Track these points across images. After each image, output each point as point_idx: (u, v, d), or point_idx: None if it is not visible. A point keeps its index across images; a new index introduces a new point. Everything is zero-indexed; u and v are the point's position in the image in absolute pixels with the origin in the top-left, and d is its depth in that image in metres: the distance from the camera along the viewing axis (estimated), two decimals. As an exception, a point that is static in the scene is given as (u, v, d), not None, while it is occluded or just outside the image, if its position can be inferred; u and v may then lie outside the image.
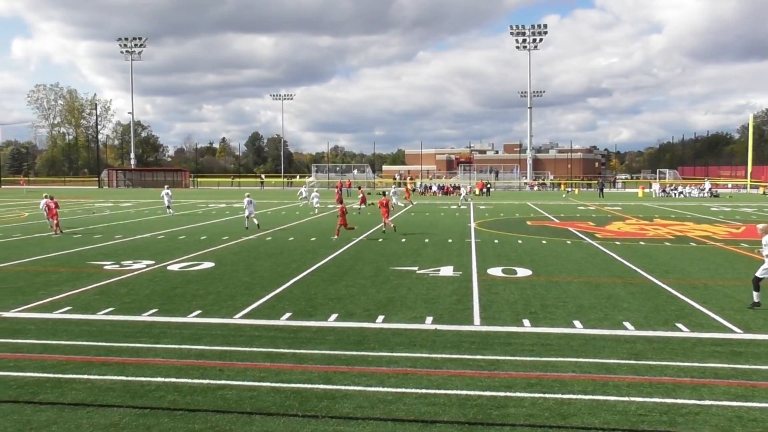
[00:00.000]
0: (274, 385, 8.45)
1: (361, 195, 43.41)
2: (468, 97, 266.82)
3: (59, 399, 7.93)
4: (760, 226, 13.58)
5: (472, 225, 32.36)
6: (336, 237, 25.47)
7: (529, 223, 34.03)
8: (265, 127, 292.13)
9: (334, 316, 12.27)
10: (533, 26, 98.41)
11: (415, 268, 18.08)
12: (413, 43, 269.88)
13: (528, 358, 9.67)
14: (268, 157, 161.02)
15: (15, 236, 26.45)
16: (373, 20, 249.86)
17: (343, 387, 8.38)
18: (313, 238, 25.64)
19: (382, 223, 28.76)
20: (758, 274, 12.84)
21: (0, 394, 8.08)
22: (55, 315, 12.37)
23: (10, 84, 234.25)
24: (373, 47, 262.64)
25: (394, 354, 9.84)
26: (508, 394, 8.17)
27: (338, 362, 9.43)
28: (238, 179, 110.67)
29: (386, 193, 31.30)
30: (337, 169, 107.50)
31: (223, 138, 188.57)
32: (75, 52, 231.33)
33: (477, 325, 11.73)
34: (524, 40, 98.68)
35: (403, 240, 25.20)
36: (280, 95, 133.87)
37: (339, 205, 28.77)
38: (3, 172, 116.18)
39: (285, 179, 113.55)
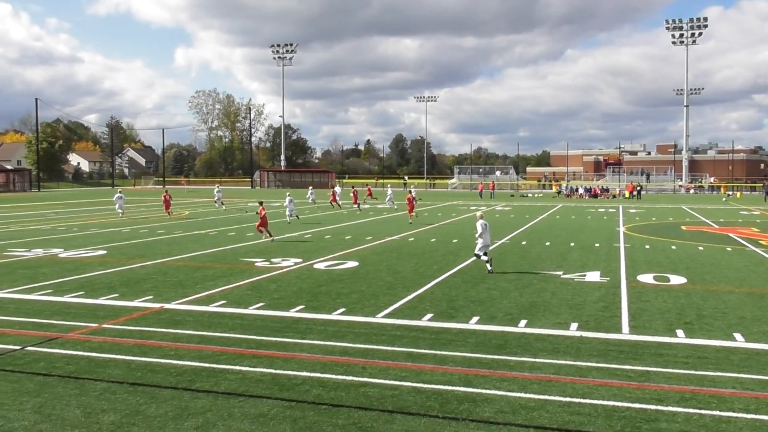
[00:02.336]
0: (415, 385, 8.50)
1: (354, 193, 47.36)
2: (618, 95, 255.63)
3: (214, 387, 8.41)
4: None
5: (621, 229, 30.96)
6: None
7: (684, 227, 32.06)
8: (408, 129, 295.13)
9: (475, 319, 12.16)
10: (691, 20, 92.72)
11: (560, 273, 17.55)
12: (560, 41, 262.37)
13: (681, 371, 9.08)
14: (411, 159, 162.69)
15: (176, 233, 28.46)
16: (518, 19, 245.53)
17: (484, 390, 8.27)
18: (455, 240, 25.59)
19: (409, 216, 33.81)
20: None
21: (161, 380, 8.69)
22: (211, 308, 13.16)
23: (173, 90, 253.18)
24: (518, 46, 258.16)
25: (537, 360, 9.59)
26: (660, 407, 7.71)
27: (479, 365, 9.33)
28: (381, 180, 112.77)
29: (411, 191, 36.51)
30: (480, 170, 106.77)
31: (368, 140, 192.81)
32: (231, 59, 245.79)
33: (625, 334, 11.19)
34: (681, 35, 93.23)
35: (548, 244, 24.57)
36: (423, 97, 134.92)
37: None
38: (166, 173, 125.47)
39: (428, 180, 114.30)
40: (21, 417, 7.41)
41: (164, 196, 39.14)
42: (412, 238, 26.31)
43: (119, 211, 38.05)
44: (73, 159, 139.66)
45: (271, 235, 25.49)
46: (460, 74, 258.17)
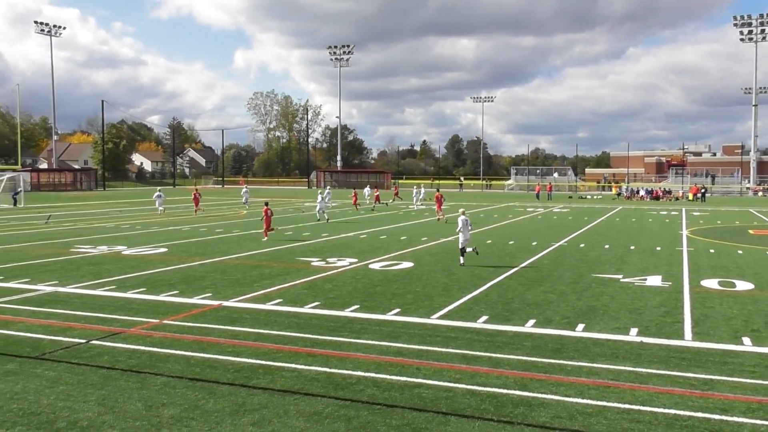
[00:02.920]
0: (469, 387, 8.43)
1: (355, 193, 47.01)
2: (682, 95, 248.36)
3: (270, 385, 8.51)
4: None
5: (684, 232, 30.11)
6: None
7: (751, 232, 30.97)
8: (465, 130, 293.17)
9: (531, 322, 12.00)
10: (761, 15, 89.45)
11: (619, 277, 17.17)
12: (622, 40, 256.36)
13: (748, 380, 8.76)
14: (467, 160, 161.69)
15: (234, 232, 28.97)
16: (578, 17, 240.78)
17: (539, 395, 8.15)
18: (512, 242, 25.33)
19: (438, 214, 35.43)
20: None
21: (219, 376, 8.85)
22: (268, 306, 13.33)
23: (232, 92, 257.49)
24: (578, 45, 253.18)
25: (595, 365, 9.39)
26: (724, 417, 7.45)
27: (535, 369, 9.20)
28: (437, 181, 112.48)
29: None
30: (537, 171, 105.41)
31: (424, 140, 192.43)
32: (288, 60, 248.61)
33: (688, 340, 10.86)
34: (750, 32, 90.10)
35: (607, 246, 24.07)
36: (480, 97, 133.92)
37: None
38: (225, 173, 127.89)
39: (484, 181, 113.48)
40: (85, 408, 7.65)
41: (194, 194, 41.27)
42: (468, 240, 26.14)
43: (160, 209, 39.66)
44: (137, 159, 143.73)
45: (265, 236, 25.81)
46: (518, 74, 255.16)
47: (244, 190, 49.84)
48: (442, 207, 36.96)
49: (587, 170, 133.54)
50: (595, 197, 74.51)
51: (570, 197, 73.12)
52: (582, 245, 24.36)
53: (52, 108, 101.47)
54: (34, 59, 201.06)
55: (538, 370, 9.13)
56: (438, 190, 41.15)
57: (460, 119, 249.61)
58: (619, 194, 73.60)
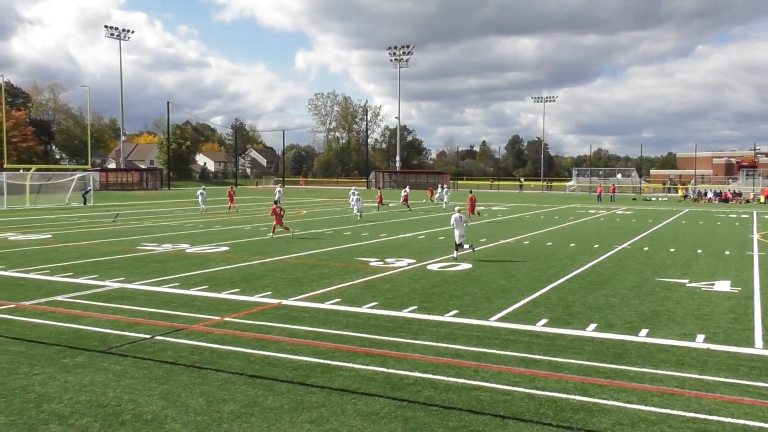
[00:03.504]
0: (528, 391, 8.31)
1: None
2: (754, 93, 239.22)
3: (327, 383, 8.58)
4: None
5: (756, 236, 29.02)
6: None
7: (827, 235, 29.62)
8: (525, 130, 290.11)
9: (592, 326, 11.75)
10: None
11: (685, 281, 16.67)
12: (690, 37, 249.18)
13: (824, 392, 8.37)
14: (527, 161, 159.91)
15: (294, 231, 29.30)
16: (644, 14, 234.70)
17: (600, 401, 7.97)
18: (572, 244, 24.89)
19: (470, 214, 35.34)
20: None
21: (278, 374, 8.97)
22: (326, 305, 13.45)
23: (293, 93, 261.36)
24: (643, 43, 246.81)
25: (659, 371, 9.14)
26: (797, 430, 7.14)
27: (596, 374, 9.00)
28: (497, 182, 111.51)
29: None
30: (600, 172, 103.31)
31: (484, 141, 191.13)
32: (348, 61, 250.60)
33: (759, 348, 10.46)
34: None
35: (672, 250, 23.41)
36: (541, 97, 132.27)
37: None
38: (285, 173, 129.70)
39: (544, 183, 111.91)
40: (150, 402, 7.86)
41: (229, 192, 43.97)
42: (528, 241, 25.82)
43: (203, 207, 40.79)
44: (200, 159, 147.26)
45: (273, 231, 26.80)
46: (581, 73, 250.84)
47: (277, 188, 51.09)
48: (474, 209, 37.23)
49: (652, 171, 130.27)
50: (660, 199, 72.54)
51: (634, 199, 71.38)
52: (646, 248, 23.75)
53: (120, 110, 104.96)
54: (103, 62, 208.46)
55: (599, 376, 8.94)
56: (471, 192, 41.74)
57: (521, 120, 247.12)
58: (685, 196, 71.43)
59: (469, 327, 11.70)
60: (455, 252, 20.47)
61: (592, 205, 57.19)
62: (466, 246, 20.65)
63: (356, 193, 39.62)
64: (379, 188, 53.21)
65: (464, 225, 20.90)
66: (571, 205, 55.49)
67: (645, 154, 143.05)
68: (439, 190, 51.58)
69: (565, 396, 8.13)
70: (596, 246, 24.20)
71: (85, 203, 51.01)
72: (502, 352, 10.05)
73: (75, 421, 7.29)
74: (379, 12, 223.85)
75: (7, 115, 66.05)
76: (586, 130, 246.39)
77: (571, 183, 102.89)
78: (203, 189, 43.87)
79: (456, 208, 21.59)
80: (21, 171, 54.20)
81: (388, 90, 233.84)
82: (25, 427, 7.13)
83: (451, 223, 20.91)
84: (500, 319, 12.29)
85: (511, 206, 51.88)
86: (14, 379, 8.71)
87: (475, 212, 37.73)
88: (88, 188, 53.08)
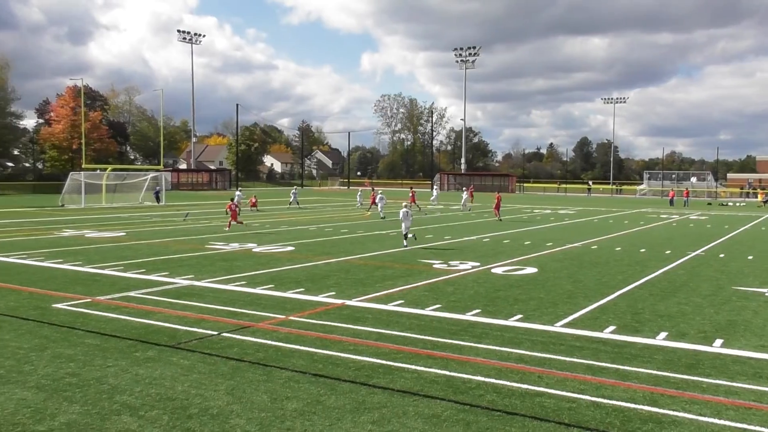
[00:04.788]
0: (594, 399, 8.11)
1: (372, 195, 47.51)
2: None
3: (389, 385, 8.57)
4: None
5: (840, 244, 27.58)
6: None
7: None
8: (594, 132, 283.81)
9: (663, 335, 11.38)
10: None
11: (765, 290, 15.97)
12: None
13: None
14: (596, 163, 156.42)
15: (358, 232, 29.51)
16: (722, 11, 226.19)
17: (670, 412, 7.70)
18: (643, 249, 24.20)
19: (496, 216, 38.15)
20: None
21: (341, 373, 9.01)
22: (389, 307, 13.45)
23: (359, 95, 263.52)
24: (721, 41, 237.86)
25: (734, 384, 8.77)
26: None
27: (666, 384, 8.71)
28: (564, 185, 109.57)
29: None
30: (673, 176, 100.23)
31: (551, 143, 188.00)
32: (414, 63, 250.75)
33: (843, 363, 9.91)
34: None
35: (750, 258, 22.48)
36: (612, 98, 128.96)
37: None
38: (351, 175, 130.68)
39: (614, 186, 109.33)
40: (216, 397, 8.03)
41: (251, 201, 45.99)
42: (596, 246, 25.25)
43: (294, 204, 42.40)
44: (268, 160, 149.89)
45: (228, 226, 30.21)
46: (653, 73, 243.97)
47: (293, 190, 52.04)
48: (499, 208, 39.18)
49: (729, 175, 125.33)
50: (737, 204, 69.84)
51: (709, 204, 68.93)
52: (722, 255, 22.88)
53: (191, 112, 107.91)
54: (175, 65, 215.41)
55: (670, 386, 8.64)
56: (498, 192, 43.90)
57: (589, 121, 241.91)
58: (765, 201, 68.51)
59: (533, 332, 11.51)
60: (404, 241, 23.83)
61: (664, 209, 55.51)
62: (410, 236, 24.18)
63: (380, 192, 42.57)
64: (412, 189, 54.07)
65: (410, 219, 24.37)
66: (642, 210, 54.00)
67: (721, 157, 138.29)
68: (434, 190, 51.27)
69: (633, 406, 7.89)
70: (668, 252, 23.47)
71: (158, 202, 52.64)
72: (567, 359, 9.84)
73: (145, 413, 7.50)
74: (444, 13, 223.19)
75: (85, 117, 68.65)
76: (659, 132, 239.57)
77: (642, 186, 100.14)
78: (296, 188, 45.67)
79: (403, 204, 25.68)
80: (98, 171, 56.28)
81: (453, 91, 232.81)
82: (98, 416, 7.38)
83: (400, 217, 24.23)
84: (566, 325, 12.04)
85: (578, 209, 50.84)
86: (89, 370, 9.04)
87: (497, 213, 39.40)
88: (158, 188, 54.59)
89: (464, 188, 55.93)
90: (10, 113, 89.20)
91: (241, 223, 31.83)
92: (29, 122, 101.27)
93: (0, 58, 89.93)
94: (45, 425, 7.15)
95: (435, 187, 52.03)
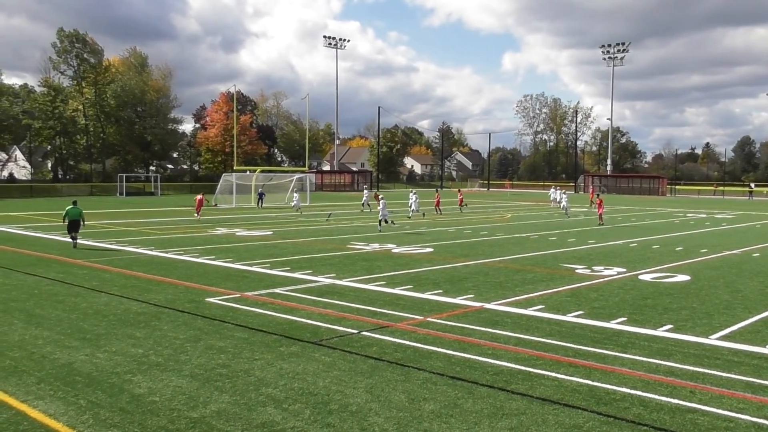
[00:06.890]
0: (754, 419, 7.49)
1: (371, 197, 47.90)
2: None
3: (528, 391, 8.37)
4: None
5: None
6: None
7: None
8: (758, 131, 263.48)
9: (836, 353, 10.32)
10: None
11: None
12: None
13: None
14: (759, 164, 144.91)
15: (498, 235, 29.12)
16: None
17: None
18: (812, 258, 22.09)
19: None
20: None
21: (479, 377, 8.91)
22: (529, 311, 13.15)
23: (500, 95, 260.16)
24: None
25: None
26: None
27: (840, 408, 7.88)
28: (721, 188, 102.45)
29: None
30: None
31: (707, 143, 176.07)
32: (557, 61, 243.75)
33: None
34: None
35: None
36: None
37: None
38: (491, 176, 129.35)
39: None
40: (355, 394, 8.19)
41: (258, 194, 49.31)
42: (758, 254, 23.37)
43: (413, 208, 39.02)
44: (408, 162, 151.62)
45: (198, 214, 36.32)
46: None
47: (295, 196, 45.84)
48: (602, 210, 37.73)
49: None
50: None
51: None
52: None
53: (335, 115, 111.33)
54: (320, 70, 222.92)
55: None
56: (598, 196, 44.23)
57: (752, 119, 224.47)
58: None
59: (685, 344, 10.82)
60: (378, 226, 30.65)
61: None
62: (387, 222, 31.45)
63: (415, 192, 42.80)
64: (438, 189, 51.80)
65: (387, 209, 31.72)
66: (811, 215, 49.37)
67: None
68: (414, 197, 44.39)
69: (800, 429, 7.21)
70: None
71: (260, 204, 50.27)
72: (723, 374, 9.16)
73: (288, 406, 7.79)
74: (591, 8, 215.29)
75: (236, 121, 72.67)
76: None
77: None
78: (414, 192, 44.12)
79: (381, 196, 34.05)
80: (248, 172, 59.14)
81: (599, 90, 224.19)
82: (245, 407, 7.76)
83: (379, 207, 31.79)
84: (722, 338, 11.22)
85: (738, 214, 47.30)
86: (238, 362, 9.53)
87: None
88: (261, 191, 51.86)
89: (555, 188, 52.89)
90: (172, 119, 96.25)
91: (198, 213, 36.65)
92: (187, 127, 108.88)
93: (164, 67, 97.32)
94: (198, 412, 7.60)
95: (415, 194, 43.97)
